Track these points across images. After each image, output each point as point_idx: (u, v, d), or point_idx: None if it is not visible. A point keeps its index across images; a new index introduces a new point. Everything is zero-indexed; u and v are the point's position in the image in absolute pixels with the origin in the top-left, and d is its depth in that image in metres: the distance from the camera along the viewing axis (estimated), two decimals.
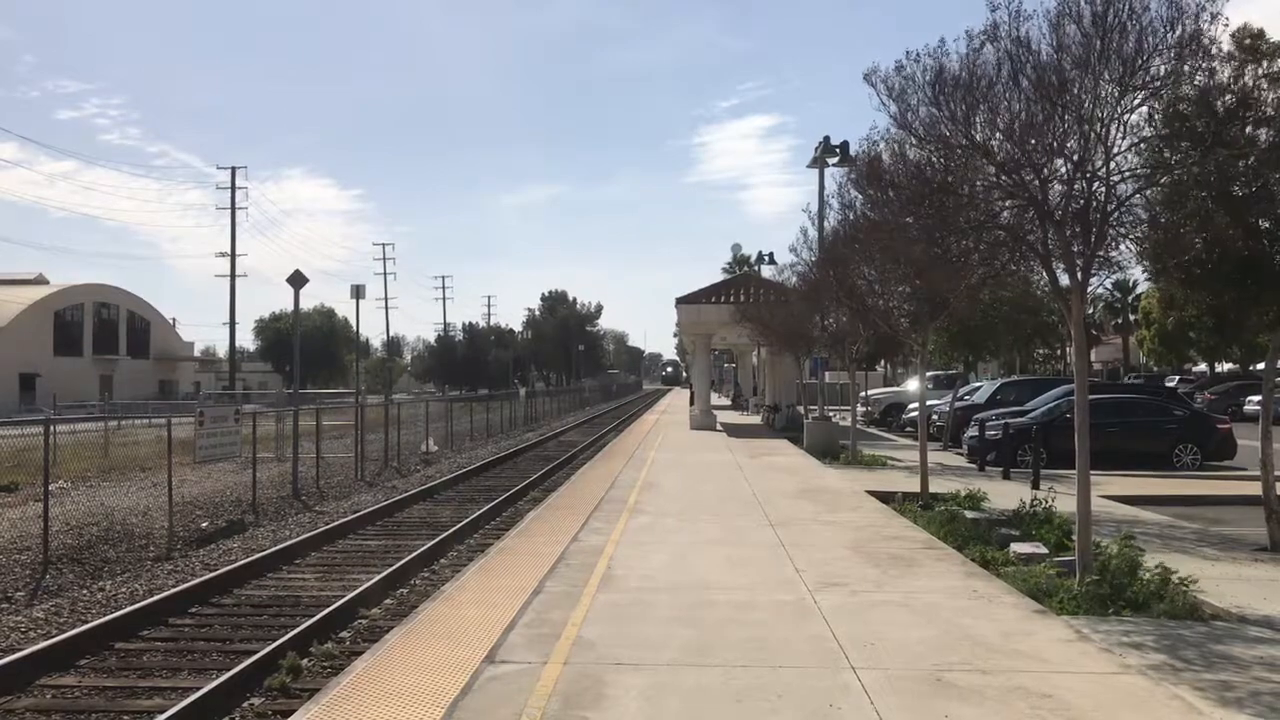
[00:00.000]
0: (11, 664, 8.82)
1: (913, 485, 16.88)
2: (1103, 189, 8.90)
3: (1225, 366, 63.17)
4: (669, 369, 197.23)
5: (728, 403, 69.75)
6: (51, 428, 15.48)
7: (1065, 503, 12.28)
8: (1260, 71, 10.01)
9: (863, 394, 40.32)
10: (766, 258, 50.52)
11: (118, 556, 14.68)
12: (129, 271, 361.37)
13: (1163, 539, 12.57)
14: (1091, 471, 9.87)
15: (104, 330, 78.65)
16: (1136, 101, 8.69)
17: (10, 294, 69.37)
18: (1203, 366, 64.29)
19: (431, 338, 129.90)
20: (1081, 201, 8.99)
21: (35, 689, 8.64)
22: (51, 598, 12.14)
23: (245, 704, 8.28)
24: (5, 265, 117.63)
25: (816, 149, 31.28)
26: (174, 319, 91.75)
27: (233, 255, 74.16)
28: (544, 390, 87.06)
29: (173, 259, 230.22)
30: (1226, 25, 8.66)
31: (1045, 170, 9.12)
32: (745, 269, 68.45)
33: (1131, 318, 72.33)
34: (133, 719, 8.03)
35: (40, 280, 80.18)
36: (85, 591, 12.49)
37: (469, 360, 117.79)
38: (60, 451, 23.87)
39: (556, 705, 6.25)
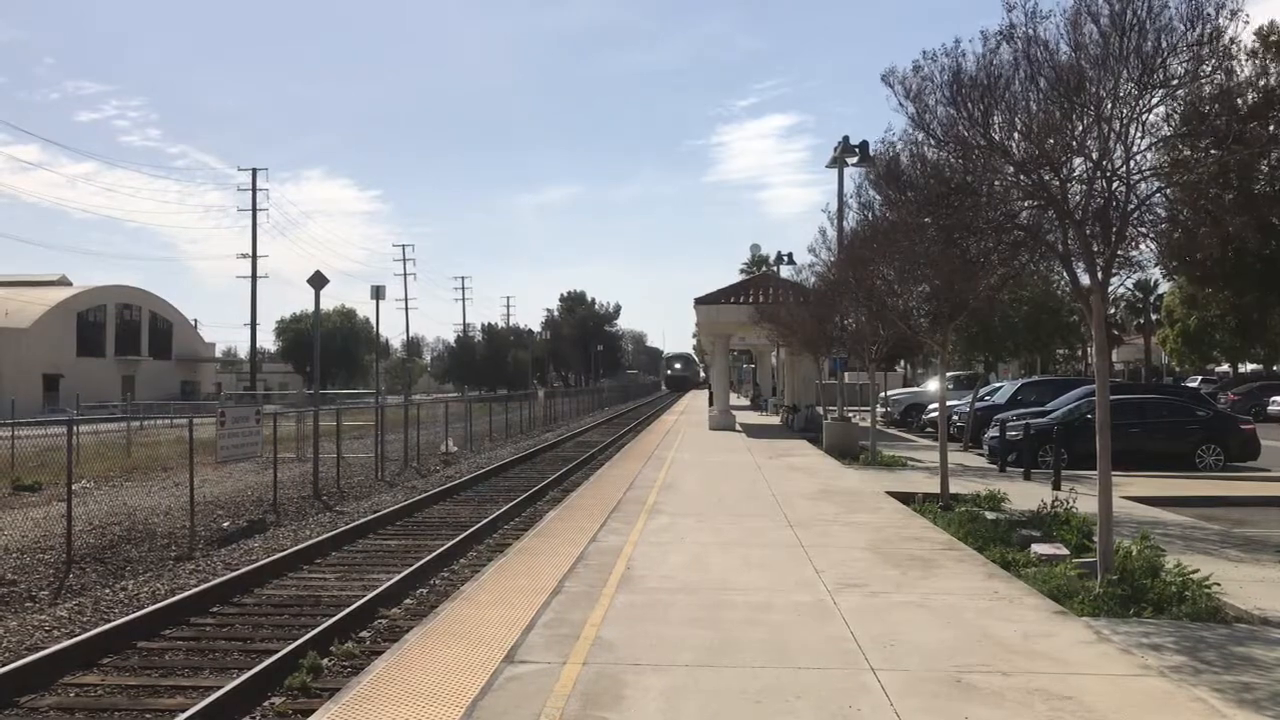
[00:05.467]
0: (36, 662, 8.90)
1: (933, 486, 16.83)
2: (1123, 188, 8.86)
3: (1249, 367, 62.75)
4: (676, 365, 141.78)
5: (746, 403, 69.67)
6: (75, 428, 15.60)
7: (1086, 504, 12.24)
8: None
9: (882, 394, 40.20)
10: (786, 258, 50.45)
11: (140, 556, 14.79)
12: (150, 273, 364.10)
13: (1185, 540, 12.49)
14: (1113, 472, 9.83)
15: (126, 331, 79.22)
16: (1155, 100, 8.65)
17: (33, 295, 69.94)
18: (1226, 367, 63.86)
19: (451, 338, 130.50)
20: (1101, 200, 8.95)
21: (59, 687, 8.72)
22: (75, 597, 12.24)
23: (266, 703, 8.33)
24: (28, 267, 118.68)
25: (836, 149, 31.23)
26: (196, 320, 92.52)
27: (254, 256, 74.67)
28: (562, 391, 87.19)
29: (193, 260, 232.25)
30: (1247, 23, 8.61)
31: (1064, 170, 9.09)
32: (764, 269, 68.34)
33: (1154, 317, 71.91)
34: (155, 717, 8.09)
35: (63, 282, 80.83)
36: (108, 591, 12.59)
37: (488, 361, 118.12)
38: (83, 452, 24.04)
39: (576, 706, 6.26)
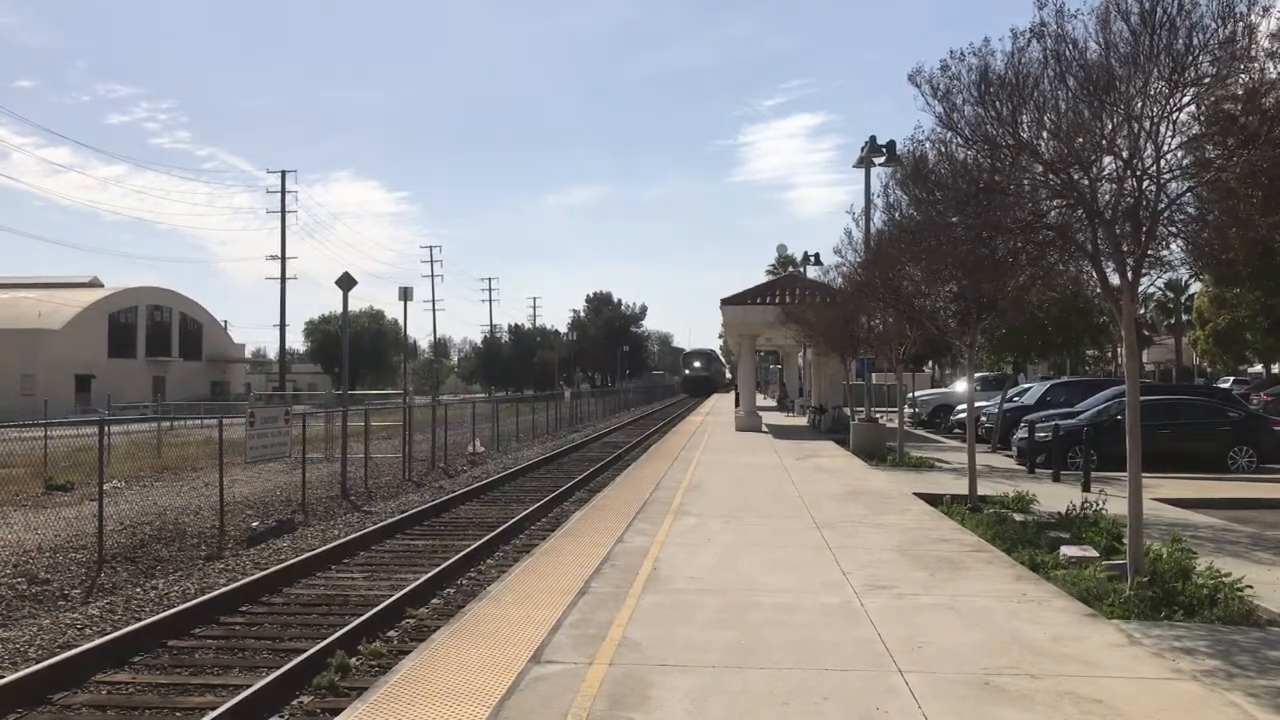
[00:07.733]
0: (68, 660, 9.00)
1: (961, 487, 16.72)
2: (1153, 187, 8.78)
3: None
4: (696, 364, 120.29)
5: (772, 404, 69.50)
6: (106, 428, 15.76)
7: (1116, 506, 12.14)
8: None
9: (910, 395, 40.00)
10: (812, 258, 50.37)
11: (170, 555, 14.92)
12: (181, 274, 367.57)
13: (1216, 543, 12.38)
14: (1143, 474, 9.75)
15: (157, 332, 79.96)
16: (1186, 99, 8.57)
17: (66, 297, 70.72)
18: (1259, 367, 63.11)
19: (478, 339, 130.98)
20: (1131, 200, 8.87)
21: (91, 685, 8.80)
22: (106, 595, 12.36)
23: (295, 702, 8.38)
24: (61, 269, 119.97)
25: (863, 148, 31.11)
26: (225, 321, 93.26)
27: (283, 258, 75.26)
28: (588, 392, 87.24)
29: (223, 262, 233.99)
30: None
31: (1094, 169, 9.02)
32: (790, 269, 68.20)
33: (1185, 317, 71.19)
34: (185, 715, 8.15)
35: (95, 283, 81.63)
36: (138, 589, 12.71)
37: (515, 361, 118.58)
38: (114, 452, 24.28)
39: (602, 706, 6.27)
